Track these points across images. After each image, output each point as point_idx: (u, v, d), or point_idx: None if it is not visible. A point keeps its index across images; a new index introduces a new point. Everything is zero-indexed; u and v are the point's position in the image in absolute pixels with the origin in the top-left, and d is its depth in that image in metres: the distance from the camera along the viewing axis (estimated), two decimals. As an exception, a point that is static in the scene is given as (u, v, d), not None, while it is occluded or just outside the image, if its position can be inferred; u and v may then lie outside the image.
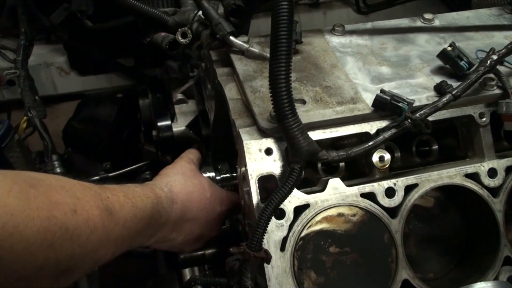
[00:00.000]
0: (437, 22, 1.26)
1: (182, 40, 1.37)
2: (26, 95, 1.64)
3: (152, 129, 1.66)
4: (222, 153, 1.36)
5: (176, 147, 1.59)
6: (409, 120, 1.00)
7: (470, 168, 1.06)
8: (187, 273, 1.37)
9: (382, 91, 1.01)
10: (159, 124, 1.56)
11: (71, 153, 1.98)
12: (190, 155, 1.24)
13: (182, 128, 1.56)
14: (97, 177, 1.79)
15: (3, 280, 0.68)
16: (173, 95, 1.62)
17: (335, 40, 1.20)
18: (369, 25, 1.24)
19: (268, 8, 1.02)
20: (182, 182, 1.12)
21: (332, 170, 1.13)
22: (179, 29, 1.37)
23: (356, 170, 1.11)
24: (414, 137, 1.18)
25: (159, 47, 1.49)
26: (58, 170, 1.69)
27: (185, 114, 1.58)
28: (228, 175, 1.26)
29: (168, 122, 1.55)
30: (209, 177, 1.24)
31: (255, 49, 1.13)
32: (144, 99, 1.70)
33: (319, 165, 1.12)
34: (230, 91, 1.10)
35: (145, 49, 1.60)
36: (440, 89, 1.05)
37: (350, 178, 1.08)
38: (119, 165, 1.87)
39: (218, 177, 1.26)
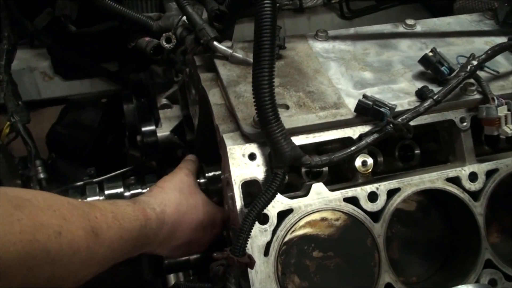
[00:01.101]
0: (419, 28, 1.27)
1: (166, 45, 1.37)
2: (9, 100, 1.63)
3: (137, 134, 1.65)
4: (207, 158, 1.36)
5: (160, 152, 1.58)
6: (391, 125, 1.00)
7: (452, 172, 1.07)
8: (171, 278, 1.36)
9: (364, 96, 1.02)
10: (143, 129, 1.55)
11: (55, 159, 1.96)
12: (189, 166, 1.22)
13: (167, 133, 1.56)
14: (81, 183, 1.78)
15: None
16: (158, 100, 1.62)
17: (319, 46, 1.21)
18: (352, 30, 1.25)
19: (252, 13, 1.02)
20: (177, 202, 1.11)
21: (315, 175, 1.13)
22: (164, 34, 1.37)
23: (340, 175, 1.12)
24: (397, 142, 1.19)
25: (144, 52, 1.49)
26: (41, 175, 1.68)
27: (170, 119, 1.58)
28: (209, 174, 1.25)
29: (152, 127, 1.55)
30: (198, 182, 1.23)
31: (239, 55, 1.13)
32: (128, 103, 1.69)
33: (303, 169, 1.12)
34: (214, 96, 1.10)
35: (130, 53, 1.60)
36: (421, 94, 1.06)
37: (333, 182, 1.09)
38: (103, 170, 1.86)
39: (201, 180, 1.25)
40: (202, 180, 1.23)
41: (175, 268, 1.37)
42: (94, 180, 1.80)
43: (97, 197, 1.26)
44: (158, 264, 1.29)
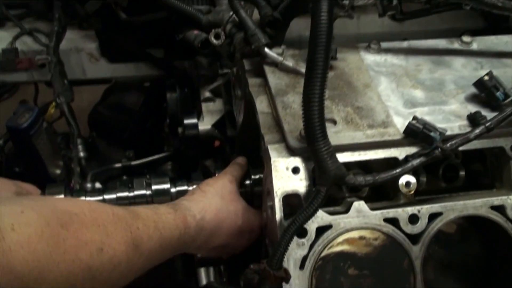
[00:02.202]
0: (475, 46, 1.23)
1: (215, 41, 1.36)
2: (56, 81, 1.66)
3: (178, 123, 1.66)
4: (247, 157, 1.36)
5: (200, 144, 1.59)
6: (440, 150, 0.99)
7: (497, 201, 1.04)
8: (203, 277, 1.38)
9: (414, 118, 1.00)
10: (185, 121, 1.56)
11: (95, 138, 2.00)
12: (234, 172, 1.23)
13: (208, 127, 1.57)
14: (119, 165, 1.81)
15: None
16: (201, 92, 1.62)
17: (370, 58, 1.18)
18: (405, 44, 1.23)
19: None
20: (218, 208, 1.12)
21: (355, 189, 1.12)
22: (213, 30, 1.36)
23: (380, 191, 1.11)
24: (441, 162, 1.17)
25: (191, 45, 1.49)
26: (81, 154, 1.71)
27: (212, 113, 1.58)
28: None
29: (194, 120, 1.56)
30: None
31: (289, 63, 1.12)
32: (172, 93, 1.70)
33: (343, 183, 1.11)
34: (261, 104, 1.10)
35: (176, 42, 1.60)
36: (473, 120, 1.03)
37: (373, 198, 1.08)
38: (141, 154, 1.88)
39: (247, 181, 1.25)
40: (247, 182, 1.23)
41: (206, 263, 1.39)
42: (132, 163, 1.83)
43: (143, 191, 1.28)
44: (191, 265, 1.30)
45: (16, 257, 0.66)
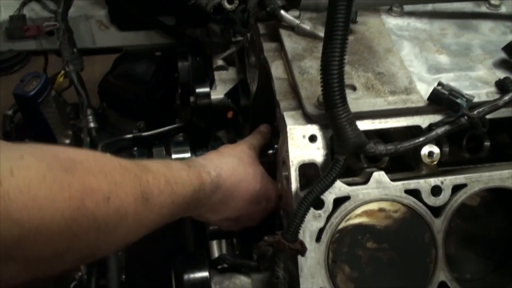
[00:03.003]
0: (503, 9, 1.16)
1: (228, 6, 1.32)
2: (65, 49, 1.62)
3: (189, 93, 1.62)
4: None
5: (212, 114, 1.55)
6: (466, 118, 0.93)
7: (524, 172, 0.99)
8: (215, 249, 1.35)
9: (440, 83, 0.95)
10: (197, 90, 1.51)
11: (106, 108, 1.97)
12: (255, 141, 1.18)
13: (221, 96, 1.52)
14: (130, 135, 1.77)
15: (23, 266, 0.66)
16: (214, 60, 1.57)
17: (392, 22, 1.12)
18: (429, 7, 1.16)
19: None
20: (234, 168, 1.07)
21: (375, 159, 1.07)
22: (226, -6, 1.31)
23: (401, 162, 1.06)
24: (465, 131, 1.12)
25: (203, 10, 1.43)
26: (91, 125, 1.68)
27: (225, 82, 1.53)
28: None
29: (207, 89, 1.51)
30: None
31: (307, 26, 1.06)
32: (183, 61, 1.65)
33: (362, 153, 1.07)
34: (277, 70, 1.05)
35: (188, 9, 1.55)
36: (502, 86, 0.97)
37: (393, 169, 1.03)
38: (152, 125, 1.85)
39: (270, 151, 1.20)
40: (270, 151, 1.18)
41: (218, 235, 1.36)
42: (143, 134, 1.80)
43: None
44: (203, 237, 1.27)
45: (15, 203, 0.61)
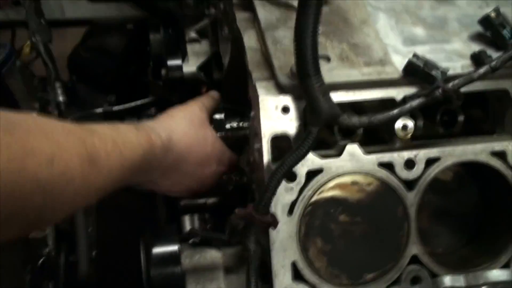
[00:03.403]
0: (480, -18, 1.15)
1: (201, -25, 1.27)
2: (31, 18, 1.56)
3: (162, 66, 1.58)
4: (234, 100, 1.29)
5: (185, 88, 1.51)
6: (441, 90, 0.92)
7: (498, 146, 0.99)
8: (187, 226, 1.33)
9: (415, 55, 0.93)
10: (169, 63, 1.47)
11: (75, 82, 1.91)
12: (206, 102, 1.17)
13: (193, 69, 1.48)
14: (101, 110, 1.73)
15: None
16: (186, 32, 1.53)
17: (368, -7, 1.10)
18: (406, -22, 1.14)
19: None
20: (185, 130, 1.05)
21: (348, 132, 1.06)
22: (198, -37, 1.27)
23: (374, 135, 1.05)
24: (439, 105, 1.11)
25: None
26: (60, 98, 1.63)
27: (197, 55, 1.49)
28: (236, 124, 1.19)
29: (178, 62, 1.47)
30: (216, 119, 1.17)
31: (281, -5, 1.04)
32: (155, 33, 1.60)
33: (336, 126, 1.05)
34: (249, 39, 1.02)
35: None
36: (477, 59, 0.97)
37: (367, 142, 1.02)
38: (124, 99, 1.80)
39: (227, 125, 1.18)
40: (228, 126, 1.16)
41: (191, 209, 1.34)
42: (114, 108, 1.76)
43: None
44: (174, 212, 1.25)
45: None
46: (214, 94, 1.24)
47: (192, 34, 1.51)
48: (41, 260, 1.49)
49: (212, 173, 1.11)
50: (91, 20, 1.88)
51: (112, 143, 0.84)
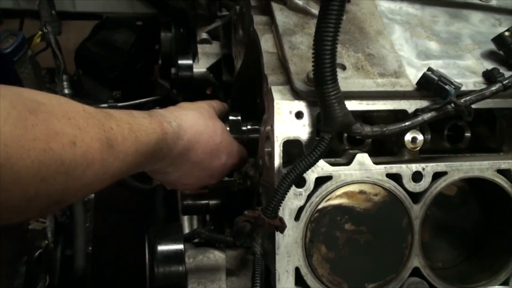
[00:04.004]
0: (494, 2, 1.17)
1: (217, -23, 1.28)
2: (44, 8, 1.57)
3: (170, 65, 1.58)
4: (241, 104, 1.30)
5: (192, 87, 1.52)
6: (453, 105, 0.93)
7: (504, 164, 1.00)
8: (186, 227, 1.33)
9: (429, 69, 0.94)
10: (180, 62, 1.47)
11: (81, 76, 1.91)
12: (213, 103, 1.17)
13: (203, 69, 1.49)
14: (105, 105, 1.73)
15: None
16: (198, 33, 1.53)
17: (384, 5, 1.11)
18: (422, -7, 1.15)
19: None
20: (195, 120, 1.05)
21: (357, 142, 1.07)
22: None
23: (383, 146, 1.06)
24: (447, 121, 1.12)
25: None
26: (66, 91, 1.64)
27: (208, 56, 1.50)
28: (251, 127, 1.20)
29: (189, 61, 1.47)
30: (233, 119, 1.18)
31: (299, 1, 1.04)
32: (166, 32, 1.61)
33: (345, 135, 1.06)
34: (266, 43, 1.03)
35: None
36: (489, 77, 0.98)
37: (375, 153, 1.03)
38: (129, 96, 1.81)
39: (244, 127, 1.19)
40: (247, 127, 1.18)
41: (193, 210, 1.34)
42: (118, 104, 1.76)
43: None
44: (173, 211, 1.25)
45: None
46: (219, 101, 1.24)
47: (204, 35, 1.52)
48: (38, 252, 1.49)
49: (221, 165, 1.11)
50: (102, 14, 1.88)
51: (128, 128, 0.85)
